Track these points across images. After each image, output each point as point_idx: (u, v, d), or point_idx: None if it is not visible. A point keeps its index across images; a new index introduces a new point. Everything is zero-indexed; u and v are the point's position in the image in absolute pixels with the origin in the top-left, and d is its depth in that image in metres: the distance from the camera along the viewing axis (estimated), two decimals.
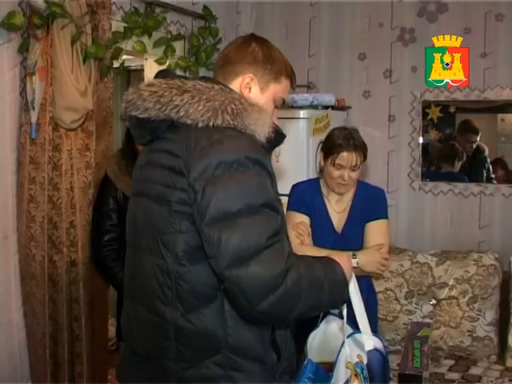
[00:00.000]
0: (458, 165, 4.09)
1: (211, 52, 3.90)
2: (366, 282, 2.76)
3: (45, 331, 2.96)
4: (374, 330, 3.04)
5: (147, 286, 1.76)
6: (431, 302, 3.62)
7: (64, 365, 3.04)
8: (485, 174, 4.03)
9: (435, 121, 4.09)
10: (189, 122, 1.65)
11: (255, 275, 1.55)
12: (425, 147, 4.13)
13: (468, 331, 3.55)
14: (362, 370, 1.96)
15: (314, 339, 2.18)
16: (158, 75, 1.85)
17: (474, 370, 3.43)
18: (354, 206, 2.83)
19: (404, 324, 3.61)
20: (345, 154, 2.70)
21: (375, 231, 2.78)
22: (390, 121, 4.21)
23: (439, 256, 3.68)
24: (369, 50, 4.24)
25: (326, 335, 2.17)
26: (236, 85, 1.80)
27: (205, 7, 3.95)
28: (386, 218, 2.84)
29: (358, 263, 2.63)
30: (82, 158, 3.06)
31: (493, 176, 4.01)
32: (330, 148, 2.75)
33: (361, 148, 2.74)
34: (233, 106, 1.66)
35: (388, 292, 3.63)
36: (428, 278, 3.64)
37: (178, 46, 3.73)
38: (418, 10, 4.08)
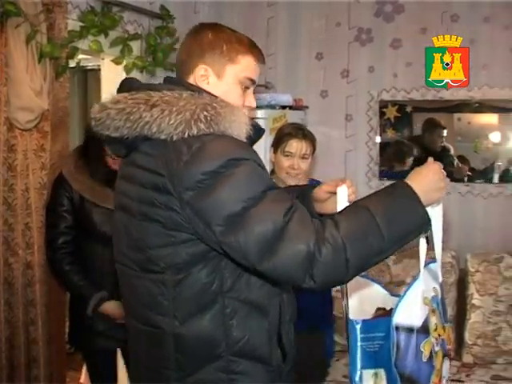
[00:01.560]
0: (409, 162, 4.13)
1: (168, 52, 3.86)
2: None
3: (0, 334, 2.90)
4: (329, 325, 3.08)
5: (137, 298, 1.72)
6: None
7: (20, 368, 2.98)
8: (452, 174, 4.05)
9: (392, 120, 4.13)
10: (163, 136, 1.58)
11: (287, 257, 1.50)
12: (382, 146, 4.17)
13: None
14: (438, 304, 1.81)
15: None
16: (122, 86, 1.77)
17: None
18: None
19: None
20: (294, 141, 2.77)
21: None
22: (347, 120, 4.24)
23: (397, 254, 3.71)
24: (326, 50, 4.26)
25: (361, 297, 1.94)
26: (192, 81, 1.73)
27: (162, 7, 3.92)
28: None
29: None
30: (38, 158, 3.02)
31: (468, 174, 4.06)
32: (279, 138, 2.83)
33: (310, 138, 2.82)
34: (205, 114, 1.58)
35: None
36: (386, 277, 3.68)
37: (135, 46, 3.70)
38: (375, 10, 4.12)
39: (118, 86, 1.79)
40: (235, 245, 1.51)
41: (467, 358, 3.54)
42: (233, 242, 1.51)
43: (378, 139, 4.16)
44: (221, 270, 1.63)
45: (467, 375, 3.36)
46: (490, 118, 4.00)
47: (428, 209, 1.62)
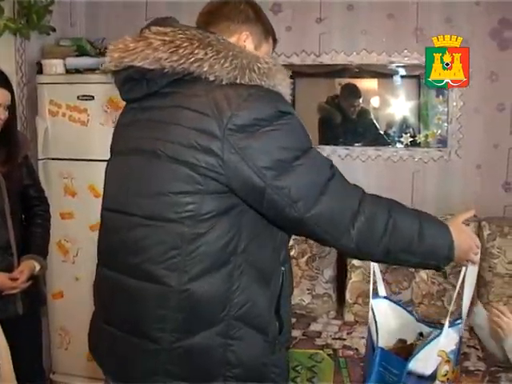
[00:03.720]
0: None
1: (43, 13, 3.67)
2: None
3: None
4: None
5: (131, 250, 1.65)
6: None
7: None
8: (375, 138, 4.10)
9: None
10: (211, 78, 1.56)
11: (335, 206, 1.57)
12: None
13: (307, 289, 3.68)
14: (454, 354, 1.95)
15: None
16: (156, 22, 1.68)
17: (315, 326, 3.57)
18: None
19: None
20: None
21: None
22: None
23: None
24: None
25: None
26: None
27: None
28: None
29: None
30: None
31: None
32: None
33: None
34: (259, 65, 1.61)
35: None
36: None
37: (7, 6, 3.48)
38: None
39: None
40: (285, 190, 1.54)
41: (348, 317, 3.65)
42: (283, 187, 1.54)
43: None
44: (240, 229, 1.61)
45: (348, 333, 3.46)
46: (370, 83, 4.07)
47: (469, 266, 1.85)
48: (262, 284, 1.66)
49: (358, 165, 4.09)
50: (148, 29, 1.65)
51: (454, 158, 3.97)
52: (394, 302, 2.16)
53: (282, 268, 1.73)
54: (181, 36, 1.59)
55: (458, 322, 1.96)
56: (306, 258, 3.68)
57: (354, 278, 3.64)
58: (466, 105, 3.92)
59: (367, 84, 4.09)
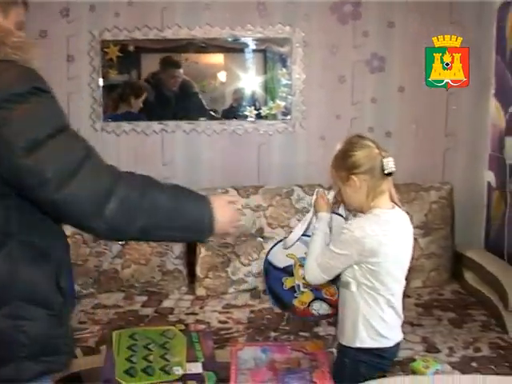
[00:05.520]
0: (137, 103, 4.07)
1: None
2: None
3: None
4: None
5: None
6: (120, 242, 3.63)
7: None
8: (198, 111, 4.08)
9: (115, 60, 4.01)
10: None
11: (87, 186, 1.53)
12: (108, 88, 4.04)
13: (158, 266, 3.63)
14: None
15: None
16: None
17: (167, 303, 3.53)
18: None
19: (94, 266, 3.57)
20: None
21: None
22: (68, 61, 4.03)
23: None
24: None
25: None
26: None
27: None
28: None
29: None
30: None
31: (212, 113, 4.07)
32: None
33: None
34: (13, 39, 1.56)
35: (76, 236, 3.54)
36: None
37: None
38: None
39: None
40: (36, 169, 1.49)
41: (200, 291, 3.64)
42: (31, 166, 1.49)
43: (101, 80, 4.02)
44: (10, 211, 1.59)
45: (201, 307, 3.45)
46: (216, 58, 4.05)
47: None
48: (40, 262, 1.65)
49: (203, 139, 4.07)
50: None
51: (298, 130, 4.06)
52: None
53: (59, 243, 1.74)
54: None
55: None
56: None
57: (203, 252, 3.63)
58: (309, 77, 4.00)
59: (214, 59, 4.07)
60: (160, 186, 1.70)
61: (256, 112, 4.05)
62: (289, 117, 4.05)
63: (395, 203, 2.29)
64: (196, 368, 2.19)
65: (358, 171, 2.20)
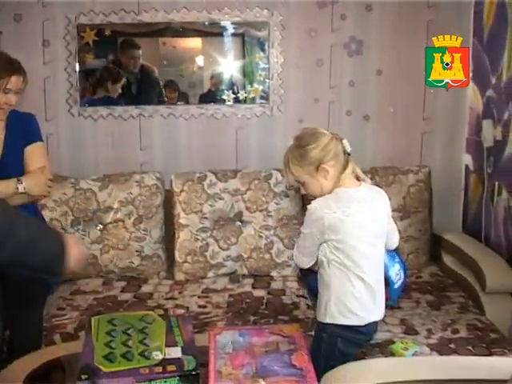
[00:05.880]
0: (115, 88, 4.04)
1: None
2: (32, 208, 2.79)
3: None
4: None
5: None
6: (98, 228, 3.61)
7: None
8: (157, 96, 4.07)
9: (91, 44, 3.97)
10: None
11: None
12: (85, 72, 4.00)
13: (136, 251, 3.62)
14: None
15: None
16: None
17: (146, 288, 3.53)
18: (9, 133, 2.74)
19: None
20: (14, 77, 2.63)
21: (34, 155, 2.76)
22: (44, 46, 3.97)
23: (102, 181, 3.65)
24: None
25: None
26: None
27: None
28: (42, 140, 2.84)
29: (25, 188, 2.62)
30: None
31: (166, 99, 4.06)
32: None
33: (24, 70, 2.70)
34: None
35: (54, 222, 3.51)
36: (93, 204, 3.60)
37: None
38: None
39: None
40: None
41: (179, 276, 3.64)
42: None
43: (77, 65, 3.97)
44: None
45: (180, 292, 3.45)
46: (194, 42, 4.02)
47: None
48: None
49: (181, 124, 4.05)
50: None
51: (277, 114, 4.05)
52: None
53: None
54: None
55: None
56: (132, 219, 3.60)
57: (182, 237, 3.62)
58: (287, 61, 3.99)
59: (191, 43, 4.04)
60: (25, 223, 1.72)
61: (234, 96, 4.04)
62: (267, 101, 4.04)
63: (363, 180, 2.36)
64: (175, 352, 2.18)
65: (327, 159, 2.27)
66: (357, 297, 2.32)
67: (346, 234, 2.25)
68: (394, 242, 2.53)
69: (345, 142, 2.30)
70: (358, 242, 2.28)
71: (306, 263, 2.42)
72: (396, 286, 2.48)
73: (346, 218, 2.24)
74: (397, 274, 2.48)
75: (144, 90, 4.05)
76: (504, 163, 3.49)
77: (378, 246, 2.37)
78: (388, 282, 2.44)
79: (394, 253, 2.53)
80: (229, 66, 4.03)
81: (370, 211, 2.31)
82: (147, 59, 4.02)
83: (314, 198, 2.36)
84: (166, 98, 4.06)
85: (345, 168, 2.30)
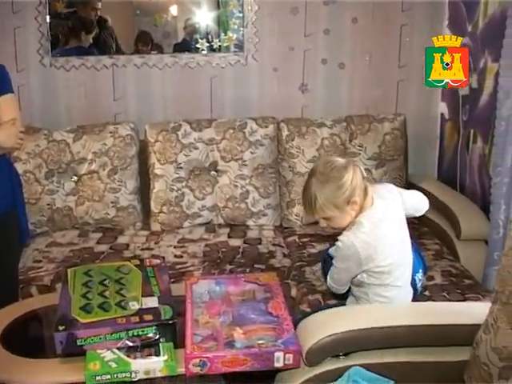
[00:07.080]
0: (87, 38, 3.96)
1: None
2: (4, 161, 2.76)
3: None
4: (22, 213, 2.91)
5: None
6: (72, 179, 3.58)
7: None
8: (114, 46, 4.00)
9: None
10: None
11: None
12: (55, 22, 3.91)
13: (112, 202, 3.60)
14: None
15: None
16: None
17: (122, 239, 3.52)
18: None
19: (47, 204, 3.52)
20: None
21: (5, 107, 2.69)
22: None
23: (75, 132, 3.60)
24: None
25: None
26: None
27: None
28: (13, 92, 2.75)
29: None
30: None
31: (122, 47, 3.99)
32: None
33: None
34: None
35: (27, 174, 3.47)
36: (66, 155, 3.56)
37: None
38: None
39: None
40: None
41: (155, 227, 3.63)
42: None
43: (48, 16, 3.86)
44: None
45: (156, 242, 3.46)
46: None
47: None
48: None
49: (155, 73, 4.00)
50: None
51: (251, 62, 4.01)
52: None
53: None
54: None
55: None
56: (107, 170, 3.57)
57: (157, 187, 3.61)
58: (261, 9, 3.93)
59: None
60: None
61: (208, 45, 3.98)
62: (241, 49, 3.99)
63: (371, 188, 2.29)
64: (152, 302, 2.20)
65: (356, 192, 2.20)
66: (387, 296, 2.31)
67: (382, 255, 2.21)
68: (421, 204, 2.48)
69: (361, 167, 2.26)
70: (391, 255, 2.24)
71: (342, 290, 2.37)
72: (418, 292, 2.46)
73: (378, 243, 2.19)
74: (420, 279, 2.45)
75: (102, 39, 3.99)
76: (479, 111, 3.50)
77: (405, 235, 2.34)
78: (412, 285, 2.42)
79: (419, 256, 2.48)
80: (203, 15, 3.96)
81: (390, 216, 2.27)
82: (120, 9, 3.94)
83: (334, 228, 2.33)
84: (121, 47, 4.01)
85: (366, 193, 2.24)
